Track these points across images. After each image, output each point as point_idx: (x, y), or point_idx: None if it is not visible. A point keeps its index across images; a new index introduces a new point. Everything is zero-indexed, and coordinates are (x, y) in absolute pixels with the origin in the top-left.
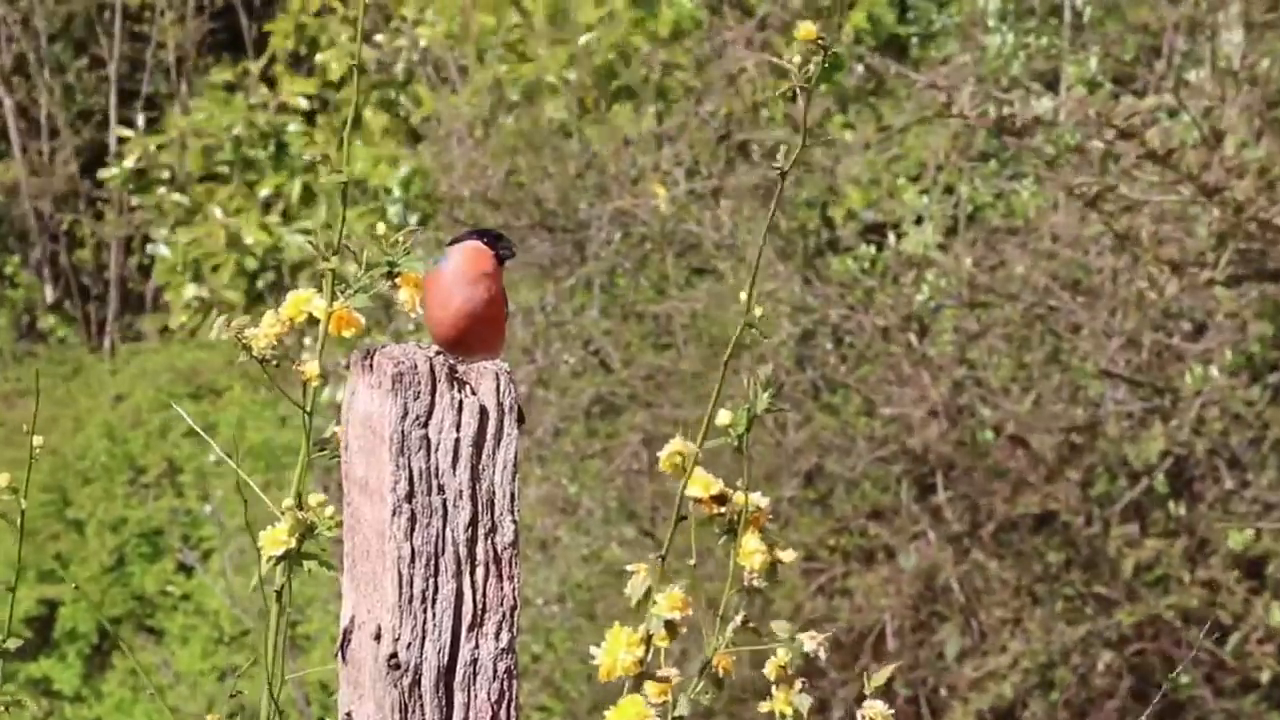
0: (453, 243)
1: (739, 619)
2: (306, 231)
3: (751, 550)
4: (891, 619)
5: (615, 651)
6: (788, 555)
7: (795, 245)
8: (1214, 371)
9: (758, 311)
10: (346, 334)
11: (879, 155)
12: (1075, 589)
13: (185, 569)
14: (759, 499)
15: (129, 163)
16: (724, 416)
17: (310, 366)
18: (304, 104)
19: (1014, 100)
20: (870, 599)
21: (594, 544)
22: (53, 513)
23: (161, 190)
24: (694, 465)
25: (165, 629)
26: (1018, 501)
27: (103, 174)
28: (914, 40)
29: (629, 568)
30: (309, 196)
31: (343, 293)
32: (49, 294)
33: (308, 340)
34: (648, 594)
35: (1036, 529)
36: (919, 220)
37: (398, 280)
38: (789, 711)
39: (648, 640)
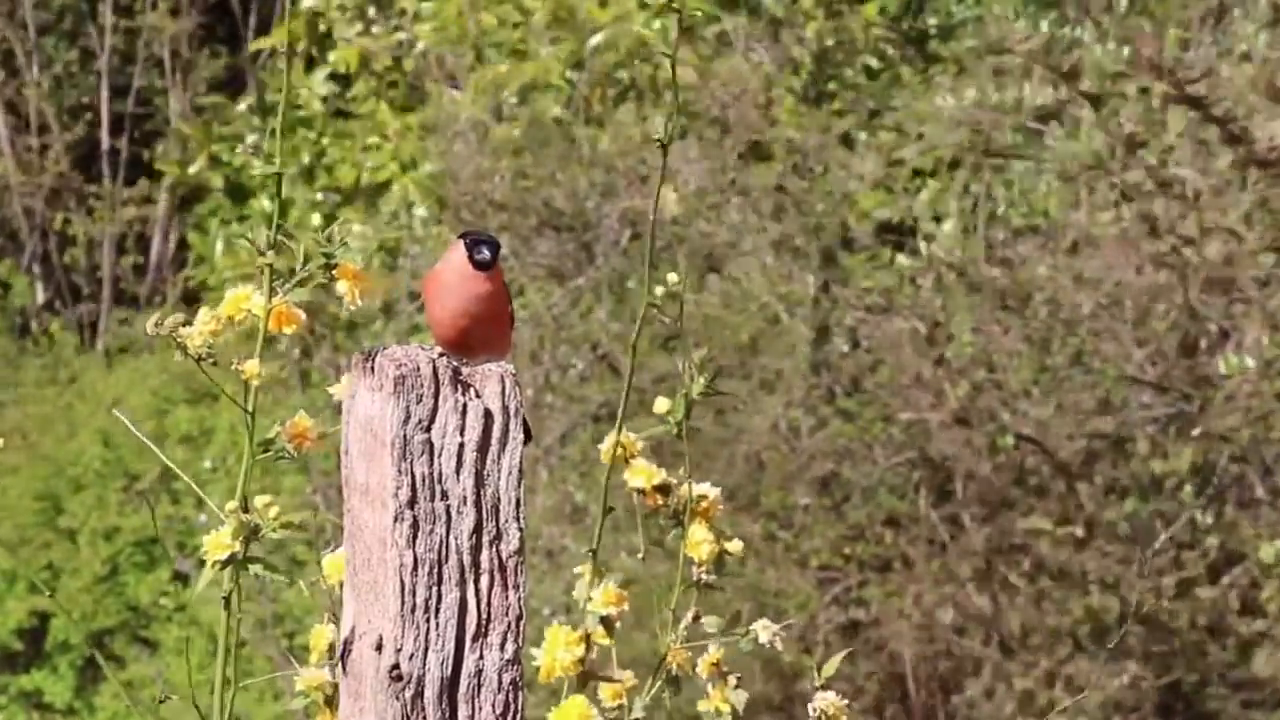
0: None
1: (690, 615)
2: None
3: (699, 541)
4: (913, 671)
5: (554, 651)
6: (734, 545)
7: (810, 245)
8: (1249, 361)
9: (777, 308)
10: (288, 330)
11: (895, 152)
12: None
13: (181, 578)
14: (707, 488)
15: (194, 167)
16: (661, 404)
17: (250, 365)
18: (319, 106)
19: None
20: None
21: (602, 553)
22: (44, 521)
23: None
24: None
25: (160, 640)
26: (1032, 514)
27: (160, 163)
28: (933, 32)
29: (577, 570)
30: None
31: (281, 289)
32: (40, 294)
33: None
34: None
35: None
36: (937, 219)
37: (335, 273)
38: (725, 709)
39: (587, 639)
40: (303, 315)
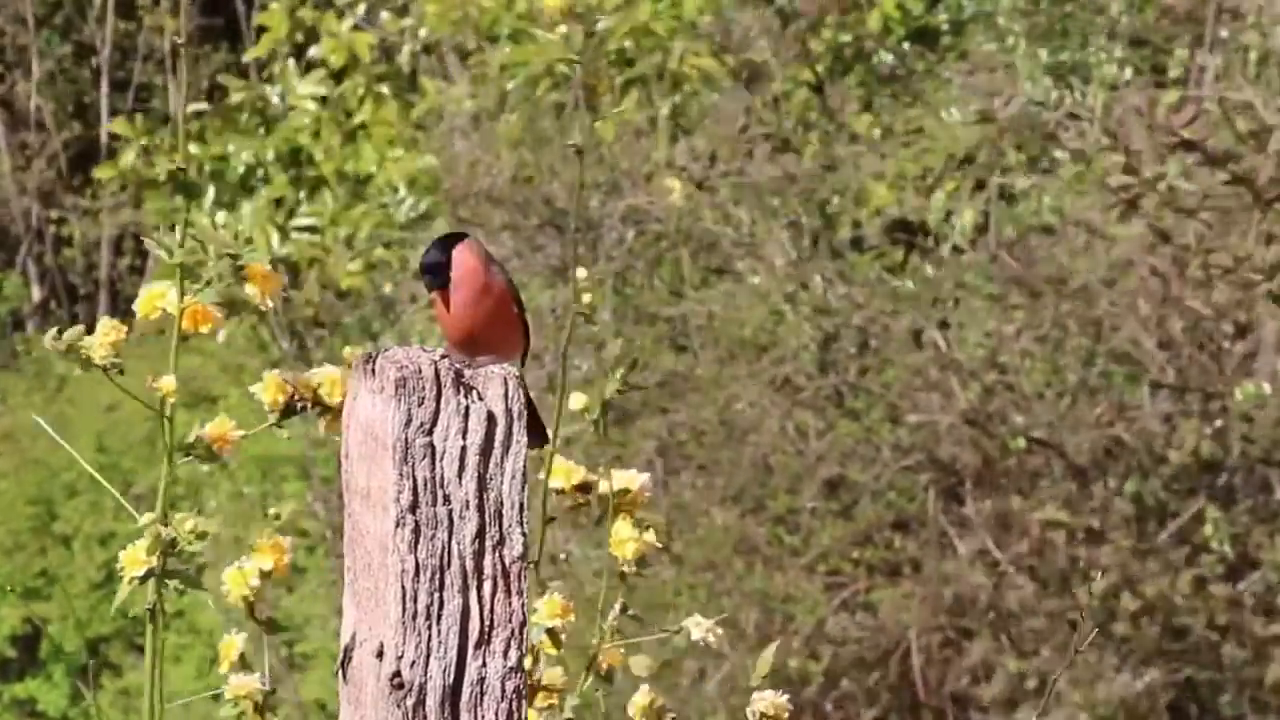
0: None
1: (617, 608)
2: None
3: (624, 539)
4: (917, 634)
5: None
6: (650, 536)
7: (818, 243)
8: (1266, 387)
9: (786, 309)
10: (204, 329)
11: (906, 150)
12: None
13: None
14: (632, 478)
15: (126, 160)
16: (576, 400)
17: (166, 382)
18: (311, 106)
19: (1045, 100)
20: (893, 614)
21: (605, 558)
22: (39, 527)
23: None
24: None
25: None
26: (1043, 509)
27: (97, 171)
28: (945, 29)
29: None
30: (313, 194)
31: (192, 287)
32: (35, 294)
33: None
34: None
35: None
36: (948, 216)
37: (243, 273)
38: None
39: (534, 652)
40: (219, 314)
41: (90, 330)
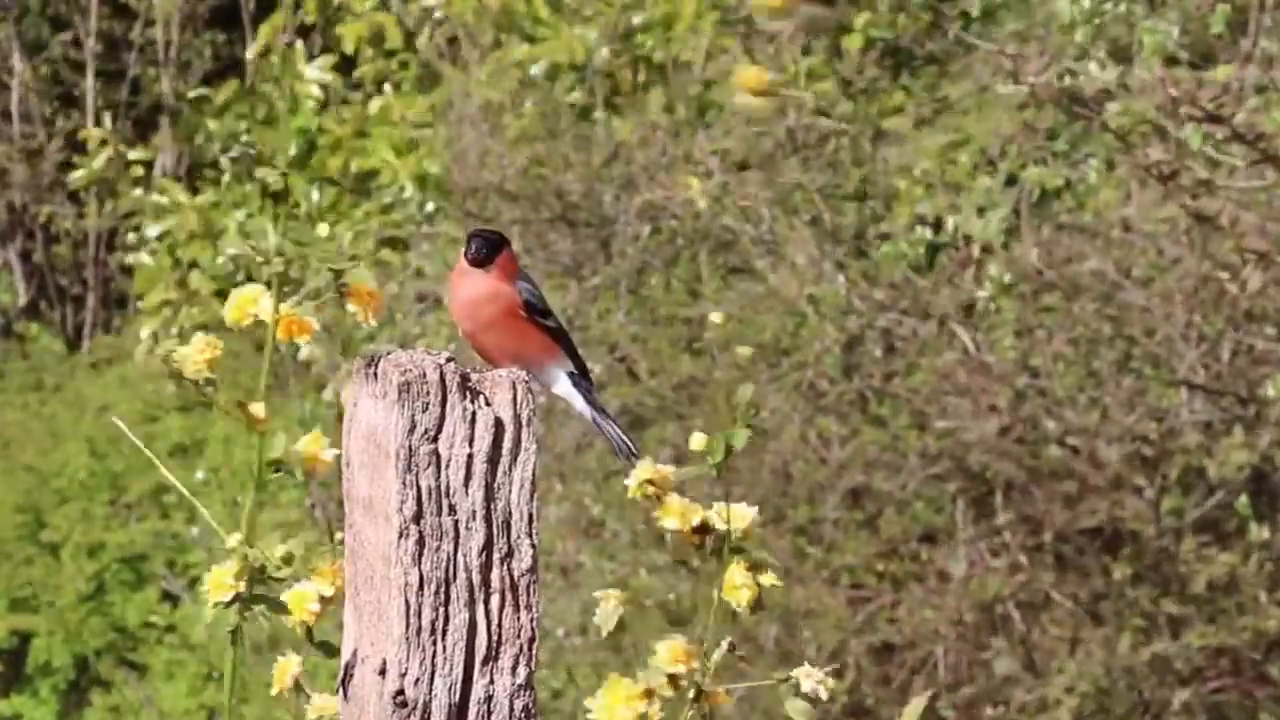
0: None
1: (724, 646)
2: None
3: (737, 585)
4: (945, 652)
5: (613, 707)
6: (768, 579)
7: (842, 240)
8: None
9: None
10: (300, 340)
11: (935, 141)
12: (1141, 606)
13: (170, 598)
14: (743, 512)
15: (98, 162)
16: (697, 440)
17: (257, 408)
18: (316, 91)
19: (1081, 71)
20: (920, 622)
21: (620, 570)
22: (26, 535)
23: (138, 192)
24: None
25: (148, 663)
26: (1079, 510)
27: (71, 177)
28: (974, 14)
29: (597, 594)
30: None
31: (291, 296)
32: (23, 294)
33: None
34: (620, 625)
35: (1104, 547)
36: (981, 211)
37: (345, 292)
38: None
39: (650, 694)
40: (315, 324)
41: (80, 332)
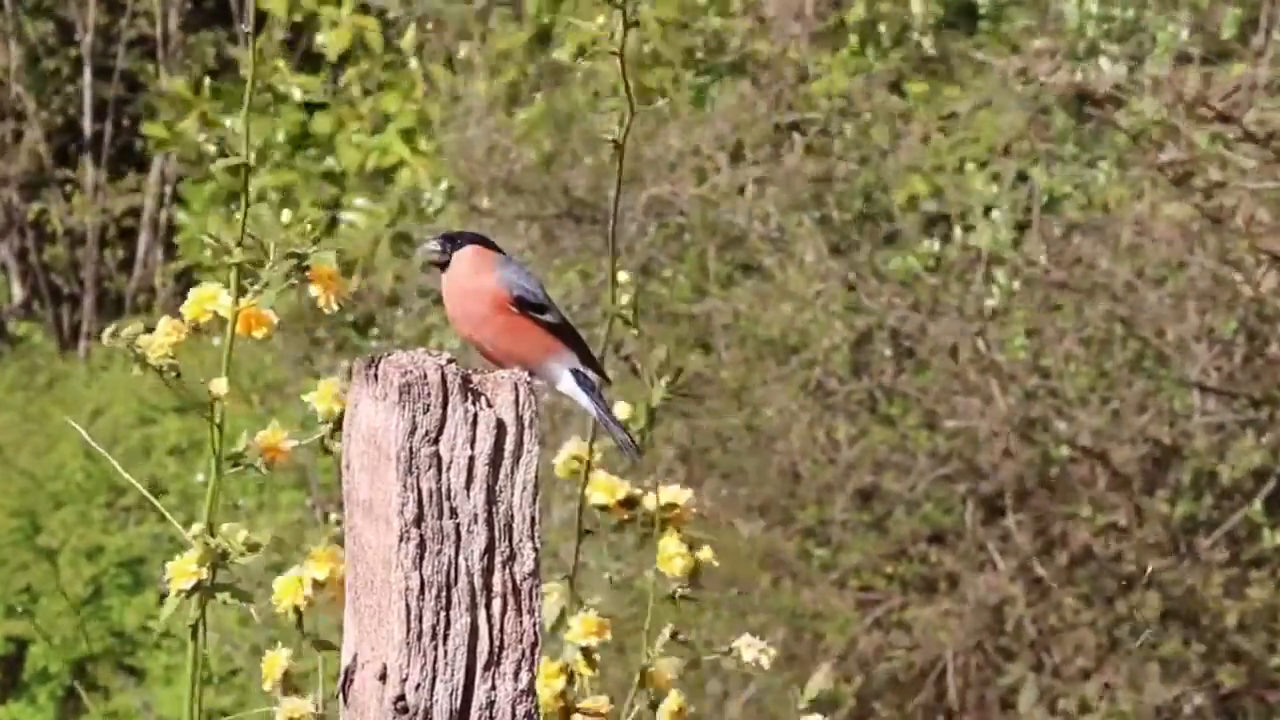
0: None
1: (667, 631)
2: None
3: (671, 554)
4: (954, 655)
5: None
6: (706, 553)
7: (849, 239)
8: None
9: (808, 315)
10: (257, 334)
11: (944, 139)
12: (1166, 643)
13: None
14: (676, 493)
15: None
16: (622, 409)
17: (217, 385)
18: (298, 95)
19: (1092, 68)
20: (930, 634)
21: (625, 571)
22: (21, 540)
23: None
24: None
25: (147, 668)
26: (1092, 522)
27: (148, 128)
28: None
29: (543, 588)
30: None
31: (251, 288)
32: (16, 293)
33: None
34: (561, 616)
35: (1125, 585)
36: (987, 211)
37: (308, 274)
38: None
39: (567, 671)
40: (274, 318)
41: (75, 333)
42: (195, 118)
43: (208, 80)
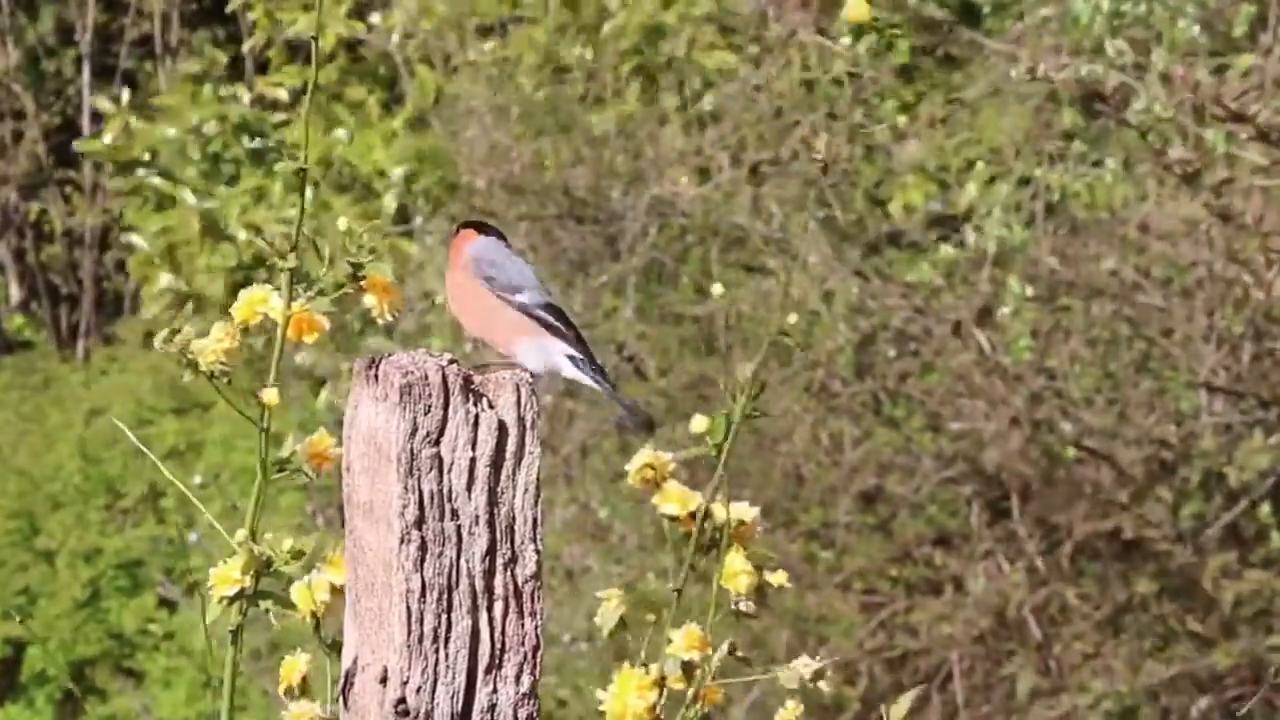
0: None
1: (725, 647)
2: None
3: (736, 572)
4: (959, 658)
5: (624, 696)
6: (778, 577)
7: (852, 239)
8: None
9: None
10: (308, 339)
11: (947, 139)
12: (1166, 624)
13: (168, 604)
14: (744, 510)
15: (108, 137)
16: (698, 423)
17: (269, 394)
18: (284, 94)
19: (1101, 66)
20: (935, 631)
21: (627, 574)
22: (19, 542)
23: (141, 171)
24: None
25: (145, 671)
26: (1100, 520)
27: (79, 145)
28: (986, 7)
29: (599, 594)
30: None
31: (304, 293)
32: (14, 294)
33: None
34: (621, 623)
35: (1123, 555)
36: (989, 212)
37: (363, 284)
38: None
39: (662, 683)
40: (326, 322)
41: (74, 333)
42: (119, 128)
43: (126, 93)
